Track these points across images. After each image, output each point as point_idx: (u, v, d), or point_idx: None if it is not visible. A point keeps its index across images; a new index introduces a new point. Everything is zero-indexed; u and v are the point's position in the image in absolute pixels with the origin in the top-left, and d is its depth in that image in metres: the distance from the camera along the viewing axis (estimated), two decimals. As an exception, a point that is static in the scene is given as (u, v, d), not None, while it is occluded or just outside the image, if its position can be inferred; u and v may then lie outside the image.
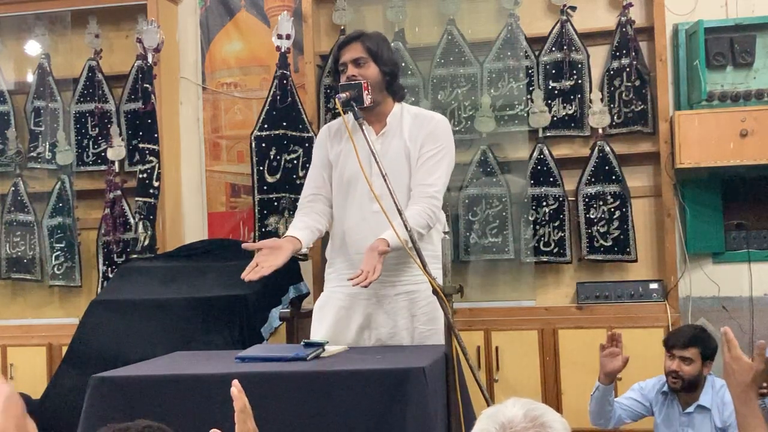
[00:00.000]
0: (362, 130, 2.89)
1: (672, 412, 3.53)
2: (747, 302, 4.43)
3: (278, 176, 4.60)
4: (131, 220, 4.79)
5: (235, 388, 1.78)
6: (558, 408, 4.19)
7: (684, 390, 3.45)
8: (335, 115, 3.65)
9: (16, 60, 5.19)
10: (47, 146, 5.02)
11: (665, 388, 3.54)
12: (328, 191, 3.16)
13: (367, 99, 2.92)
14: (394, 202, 2.71)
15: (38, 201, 5.02)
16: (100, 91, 4.96)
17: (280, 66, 4.64)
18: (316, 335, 3.05)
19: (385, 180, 2.75)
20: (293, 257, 4.44)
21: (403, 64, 4.60)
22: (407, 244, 2.72)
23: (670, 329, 4.14)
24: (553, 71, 4.52)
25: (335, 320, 3.08)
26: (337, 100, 2.89)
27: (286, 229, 4.44)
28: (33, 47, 5.09)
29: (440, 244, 3.01)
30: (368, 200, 3.02)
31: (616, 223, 4.40)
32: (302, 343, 2.72)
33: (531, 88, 4.52)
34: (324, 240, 3.43)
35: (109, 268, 4.77)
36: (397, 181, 2.92)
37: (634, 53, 4.42)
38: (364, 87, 2.91)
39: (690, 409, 3.46)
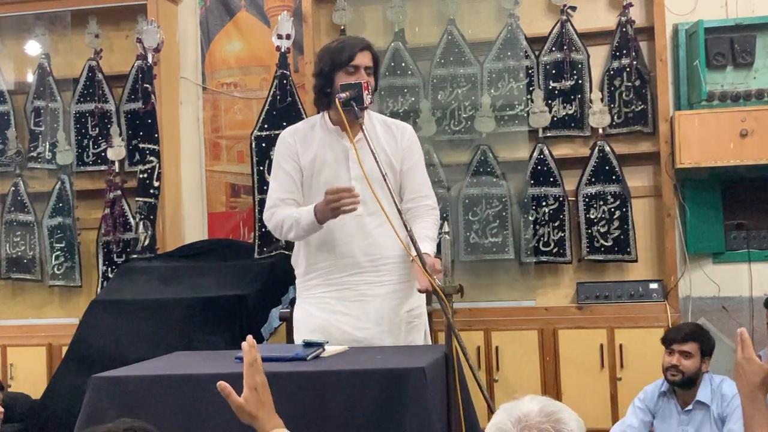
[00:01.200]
0: (363, 132, 2.89)
1: (671, 412, 3.53)
2: (747, 302, 4.43)
3: (278, 176, 4.59)
4: (131, 220, 4.79)
5: (247, 344, 1.86)
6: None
7: (682, 385, 3.46)
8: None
9: (16, 60, 5.19)
10: (47, 146, 5.01)
11: (664, 388, 3.54)
12: (299, 196, 3.13)
13: (367, 99, 2.93)
14: (395, 203, 2.74)
15: (38, 201, 5.01)
16: (100, 91, 4.96)
17: (280, 66, 4.64)
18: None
19: (385, 180, 2.77)
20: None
21: (403, 64, 4.60)
22: (408, 245, 2.74)
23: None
24: (553, 71, 4.52)
25: (325, 325, 3.07)
26: (337, 99, 2.89)
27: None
28: (33, 47, 5.09)
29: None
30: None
31: (616, 223, 4.40)
32: (302, 342, 2.72)
33: (531, 88, 4.52)
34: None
35: (109, 268, 4.77)
36: (380, 184, 2.96)
37: (634, 53, 4.42)
38: (365, 87, 2.92)
39: (689, 407, 3.47)
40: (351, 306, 3.06)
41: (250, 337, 1.87)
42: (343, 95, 2.89)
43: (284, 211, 3.06)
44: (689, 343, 3.44)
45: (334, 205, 2.85)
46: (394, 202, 2.75)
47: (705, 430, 3.44)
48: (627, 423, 3.59)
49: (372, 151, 2.81)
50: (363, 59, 3.06)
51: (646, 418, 3.57)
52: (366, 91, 2.92)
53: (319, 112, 3.19)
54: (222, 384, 1.81)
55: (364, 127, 2.91)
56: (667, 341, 3.50)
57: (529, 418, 1.42)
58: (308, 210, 2.97)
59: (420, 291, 2.85)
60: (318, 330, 3.05)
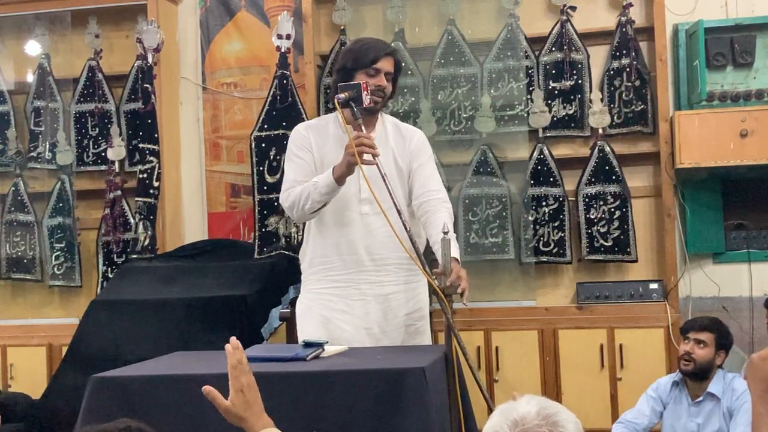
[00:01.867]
0: (360, 129, 2.89)
1: (681, 403, 3.55)
2: (747, 302, 4.43)
3: (278, 176, 4.58)
4: (131, 220, 4.79)
5: (231, 345, 1.84)
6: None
7: (694, 375, 3.48)
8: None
9: (16, 60, 5.19)
10: (47, 146, 5.01)
11: (677, 378, 3.57)
12: None
13: (366, 99, 2.91)
14: (394, 203, 2.74)
15: (38, 201, 5.01)
16: (100, 91, 4.96)
17: (280, 66, 4.64)
18: (306, 336, 3.03)
19: (384, 180, 2.77)
20: (294, 258, 4.47)
21: (403, 64, 4.59)
22: (407, 245, 2.74)
23: (670, 329, 4.16)
24: (553, 71, 4.52)
25: (325, 322, 3.07)
26: (336, 100, 2.88)
27: (286, 229, 4.46)
28: (33, 47, 5.09)
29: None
30: (357, 202, 3.05)
31: (616, 223, 4.40)
32: (302, 343, 2.72)
33: (531, 88, 4.52)
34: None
35: (109, 268, 4.77)
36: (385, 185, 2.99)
37: (634, 53, 4.42)
38: (363, 88, 2.90)
39: (700, 398, 3.48)
40: (352, 305, 3.07)
41: (233, 339, 1.85)
42: (342, 96, 2.88)
43: (300, 186, 3.05)
44: (705, 332, 3.48)
45: (352, 150, 2.81)
46: (394, 203, 2.74)
47: (713, 423, 3.46)
48: (638, 410, 3.62)
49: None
50: (386, 64, 3.08)
51: (657, 408, 3.60)
52: (365, 92, 2.90)
53: (333, 110, 3.21)
54: (207, 388, 1.81)
55: (362, 128, 2.91)
56: (684, 330, 3.56)
57: (526, 421, 1.40)
58: (327, 173, 2.95)
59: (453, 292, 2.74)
60: (319, 327, 3.06)
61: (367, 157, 2.81)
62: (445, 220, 2.89)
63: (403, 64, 3.20)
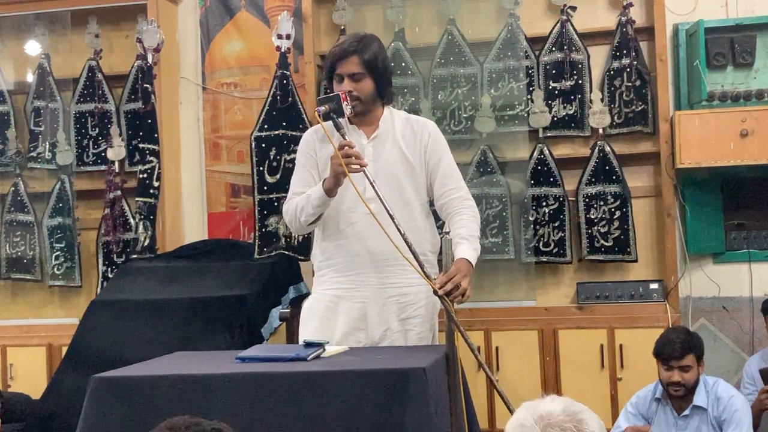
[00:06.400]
0: (341, 134, 2.89)
1: (666, 418, 3.50)
2: (747, 302, 4.43)
3: (278, 176, 4.58)
4: (131, 220, 4.78)
5: None
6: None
7: (684, 396, 3.44)
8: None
9: (16, 60, 5.19)
10: (47, 146, 5.01)
11: (658, 394, 3.51)
12: None
13: (347, 109, 2.90)
14: (385, 208, 2.73)
15: (38, 201, 5.01)
16: (100, 91, 4.96)
17: (280, 66, 4.63)
18: (305, 336, 3.04)
19: (373, 187, 2.76)
20: (294, 258, 4.47)
21: (403, 64, 4.60)
22: (403, 249, 2.73)
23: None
24: (554, 71, 4.52)
25: (325, 322, 3.08)
26: (316, 113, 2.87)
27: (286, 229, 4.46)
28: (33, 47, 5.09)
29: (434, 257, 3.07)
30: (360, 203, 3.04)
31: (616, 223, 4.40)
32: (302, 343, 2.72)
33: (531, 88, 4.52)
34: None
35: (109, 268, 4.76)
36: (395, 183, 3.00)
37: (634, 53, 4.42)
38: (343, 98, 2.89)
39: (686, 412, 3.45)
40: (354, 307, 3.07)
41: None
42: (321, 108, 2.87)
43: (298, 198, 3.09)
44: (687, 356, 3.38)
45: (338, 161, 2.82)
46: (385, 207, 2.73)
47: None
48: (619, 429, 3.56)
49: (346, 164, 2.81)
50: (345, 67, 3.05)
51: (638, 423, 3.54)
52: (345, 102, 2.88)
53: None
54: None
55: (345, 131, 2.91)
56: (663, 357, 3.42)
57: (551, 416, 1.45)
58: (318, 185, 2.99)
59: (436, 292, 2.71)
60: (319, 327, 3.06)
61: (354, 166, 2.81)
62: (466, 224, 2.90)
63: (378, 57, 3.07)
